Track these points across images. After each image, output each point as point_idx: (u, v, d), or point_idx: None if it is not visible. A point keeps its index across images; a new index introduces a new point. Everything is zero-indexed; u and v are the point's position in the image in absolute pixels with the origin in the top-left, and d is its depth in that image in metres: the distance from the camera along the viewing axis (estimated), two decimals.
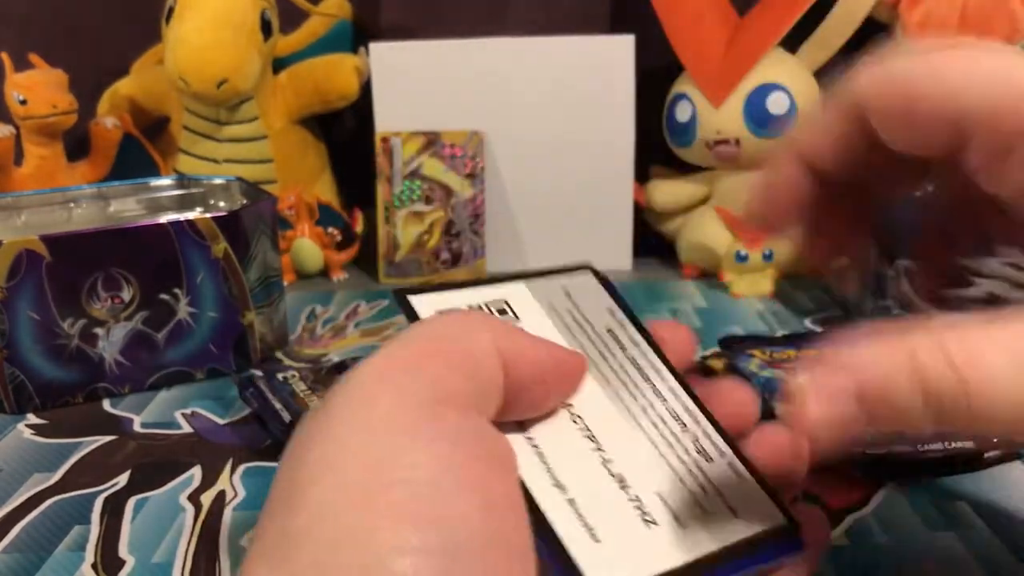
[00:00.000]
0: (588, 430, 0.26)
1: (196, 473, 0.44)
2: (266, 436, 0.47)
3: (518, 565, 0.18)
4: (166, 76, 0.71)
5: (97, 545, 0.38)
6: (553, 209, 0.74)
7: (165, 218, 0.52)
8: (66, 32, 0.81)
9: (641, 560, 0.23)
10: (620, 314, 0.30)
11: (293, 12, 0.78)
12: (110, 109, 0.78)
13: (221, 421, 0.49)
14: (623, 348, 0.29)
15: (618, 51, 0.71)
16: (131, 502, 0.41)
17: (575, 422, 0.26)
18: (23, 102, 0.68)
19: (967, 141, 0.23)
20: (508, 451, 0.21)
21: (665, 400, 0.28)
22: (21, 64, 0.70)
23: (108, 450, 0.46)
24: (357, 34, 0.82)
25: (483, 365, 0.21)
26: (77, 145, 0.75)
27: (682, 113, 0.72)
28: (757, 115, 0.69)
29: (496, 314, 0.28)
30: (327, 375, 0.50)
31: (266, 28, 0.72)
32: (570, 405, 0.26)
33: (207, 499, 0.41)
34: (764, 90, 0.69)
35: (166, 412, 0.51)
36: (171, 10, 0.71)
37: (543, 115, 0.72)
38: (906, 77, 0.24)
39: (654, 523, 0.24)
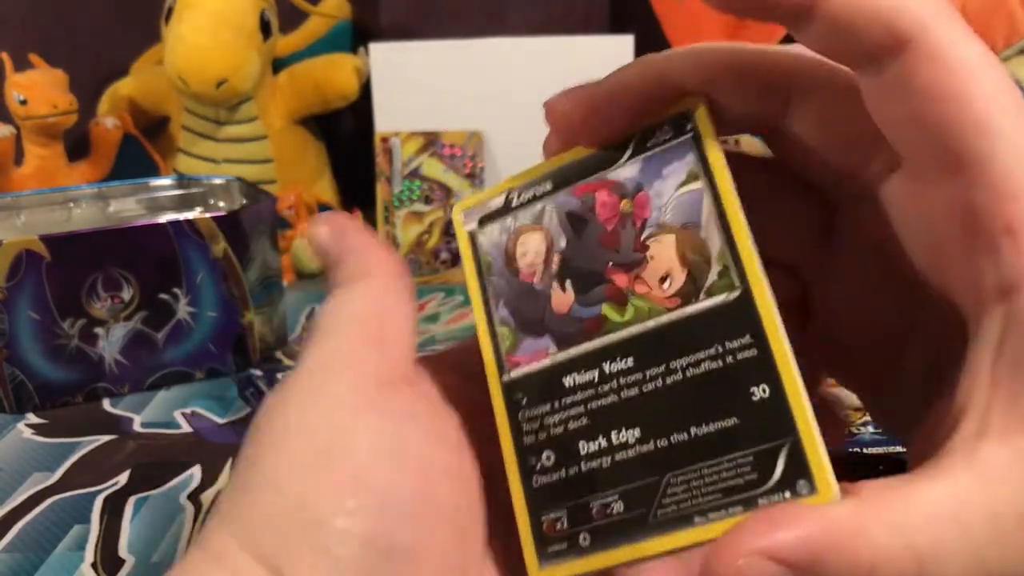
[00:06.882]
0: None
1: (196, 473, 0.44)
2: None
3: (449, 525, 0.21)
4: (165, 76, 0.71)
5: (97, 544, 0.38)
6: None
7: (165, 218, 0.52)
8: (66, 32, 0.81)
9: None
10: None
11: (293, 12, 0.78)
12: (110, 109, 0.78)
13: (221, 421, 0.49)
14: None
15: (618, 51, 0.71)
16: (131, 502, 0.41)
17: None
18: (23, 102, 0.68)
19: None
20: (456, 429, 0.23)
21: None
22: (21, 64, 0.70)
23: (108, 450, 0.46)
24: (357, 34, 0.82)
25: (406, 341, 0.23)
26: (77, 145, 0.75)
27: None
28: None
29: None
30: None
31: (266, 28, 0.72)
32: None
33: (207, 499, 0.41)
34: None
35: (166, 412, 0.51)
36: (170, 10, 0.71)
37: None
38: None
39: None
